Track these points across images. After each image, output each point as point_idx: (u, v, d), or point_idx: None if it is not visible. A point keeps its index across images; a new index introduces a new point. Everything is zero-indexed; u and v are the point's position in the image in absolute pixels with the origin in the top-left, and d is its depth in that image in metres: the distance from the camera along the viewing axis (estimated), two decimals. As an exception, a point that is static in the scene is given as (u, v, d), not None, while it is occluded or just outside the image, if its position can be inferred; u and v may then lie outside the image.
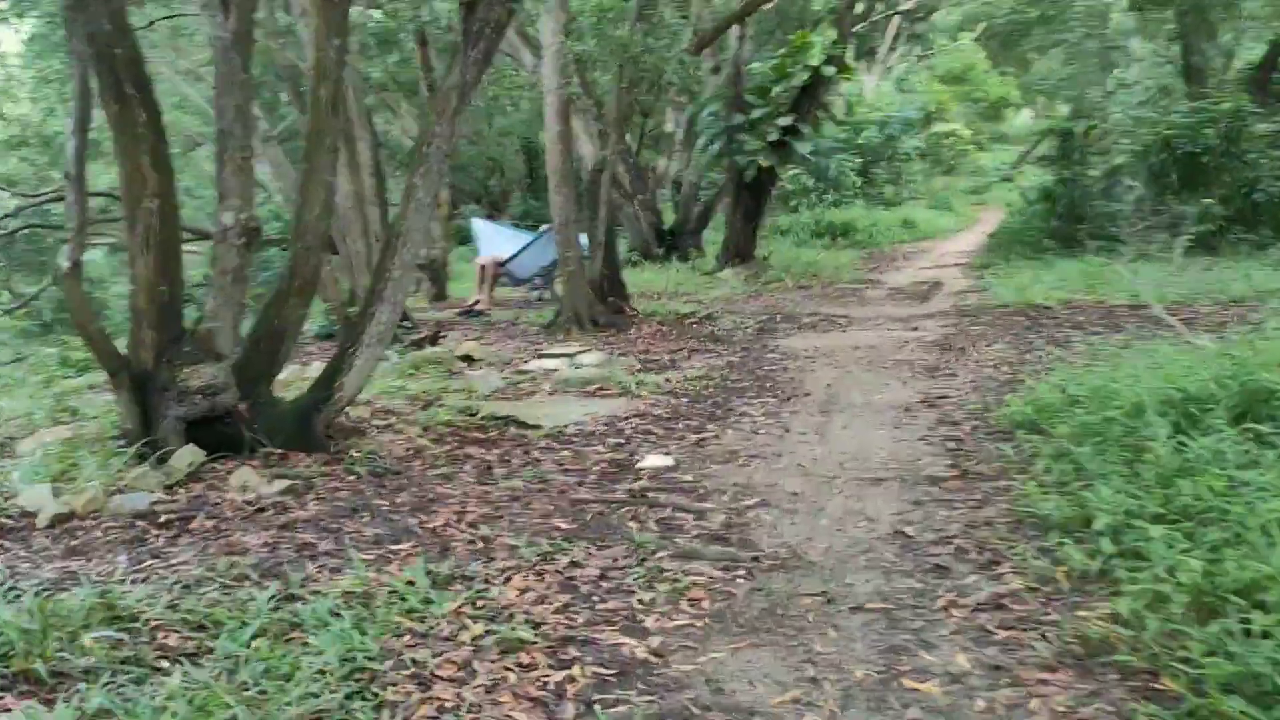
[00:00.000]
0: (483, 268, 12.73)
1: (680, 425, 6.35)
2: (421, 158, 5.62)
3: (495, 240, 13.20)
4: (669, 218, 19.75)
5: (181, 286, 5.84)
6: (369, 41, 14.70)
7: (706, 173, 17.86)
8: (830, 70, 15.13)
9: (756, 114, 15.64)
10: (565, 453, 5.71)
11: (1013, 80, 35.25)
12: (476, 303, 12.77)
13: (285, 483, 5.06)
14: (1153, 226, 14.71)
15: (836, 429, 6.11)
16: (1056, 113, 51.40)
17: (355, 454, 5.57)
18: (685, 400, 7.11)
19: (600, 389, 7.50)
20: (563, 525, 4.38)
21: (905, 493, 4.73)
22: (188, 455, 5.32)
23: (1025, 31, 40.91)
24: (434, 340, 9.57)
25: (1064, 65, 24.86)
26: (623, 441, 5.96)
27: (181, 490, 5.04)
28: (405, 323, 9.57)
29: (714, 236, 19.67)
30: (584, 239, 15.38)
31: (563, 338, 10.50)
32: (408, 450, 5.75)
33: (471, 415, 6.52)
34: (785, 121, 15.38)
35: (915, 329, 10.08)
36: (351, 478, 5.23)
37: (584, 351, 8.86)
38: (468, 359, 8.90)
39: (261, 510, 4.67)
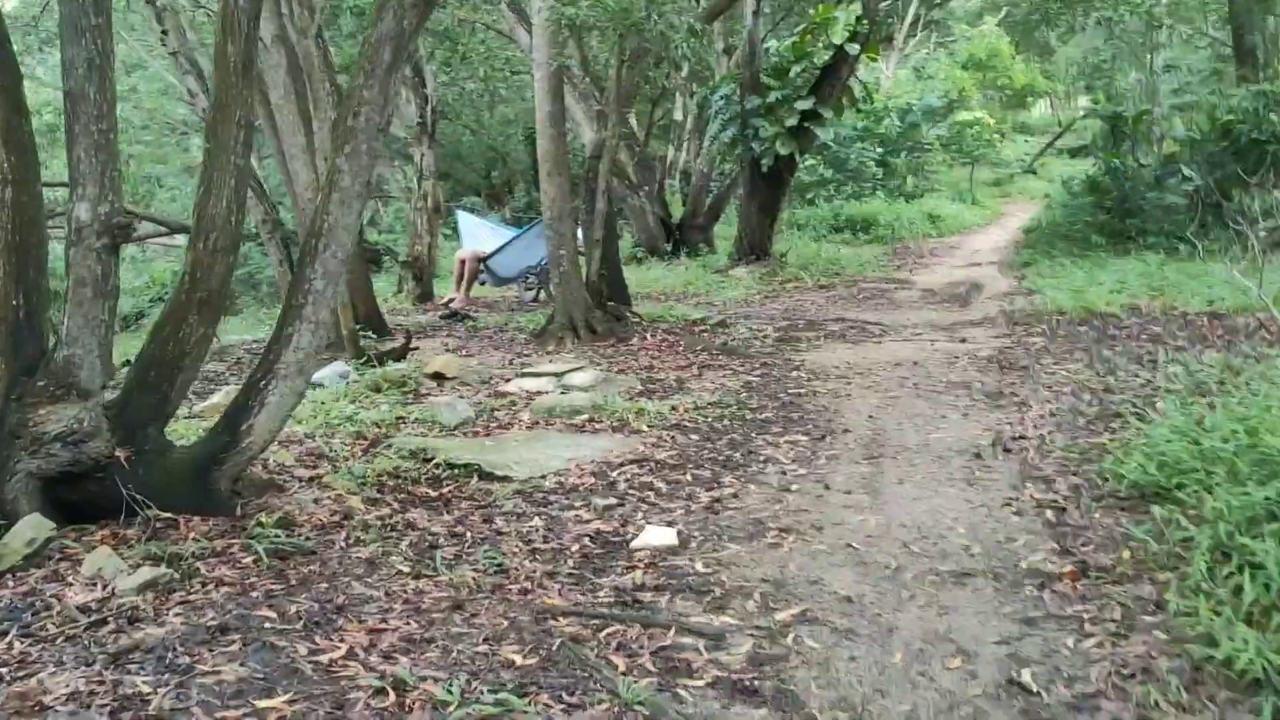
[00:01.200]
0: (461, 262, 11.41)
1: (688, 476, 4.99)
2: (346, 133, 4.26)
3: (478, 235, 11.87)
4: (678, 211, 18.38)
5: (44, 300, 4.50)
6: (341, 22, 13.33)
7: (718, 162, 16.45)
8: (855, 48, 13.73)
9: (773, 97, 14.26)
10: (537, 520, 4.34)
11: (1037, 67, 33.70)
12: (452, 300, 11.44)
13: (153, 571, 3.72)
14: (1214, 220, 13.30)
15: (890, 484, 4.74)
16: (1079, 102, 49.75)
17: (264, 520, 4.23)
18: (695, 438, 5.75)
19: (591, 421, 6.14)
20: (518, 660, 3.02)
21: (1005, 600, 3.36)
22: (28, 530, 3.97)
23: (1046, 18, 39.47)
24: (403, 353, 8.22)
25: (1105, 44, 23.23)
26: (614, 502, 4.60)
27: (10, 581, 3.70)
28: (368, 333, 8.21)
29: (726, 231, 18.29)
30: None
31: (554, 348, 9.16)
32: (333, 515, 4.39)
33: (425, 461, 5.17)
34: (805, 105, 13.99)
35: (963, 340, 8.70)
36: (249, 559, 3.88)
37: (575, 369, 7.50)
38: (439, 377, 7.55)
39: (101, 623, 3.33)
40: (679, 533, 4.10)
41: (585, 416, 6.16)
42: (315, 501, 4.56)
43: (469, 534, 4.19)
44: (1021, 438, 5.38)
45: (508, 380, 7.52)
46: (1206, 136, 13.47)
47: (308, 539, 4.09)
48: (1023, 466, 4.87)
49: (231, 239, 4.61)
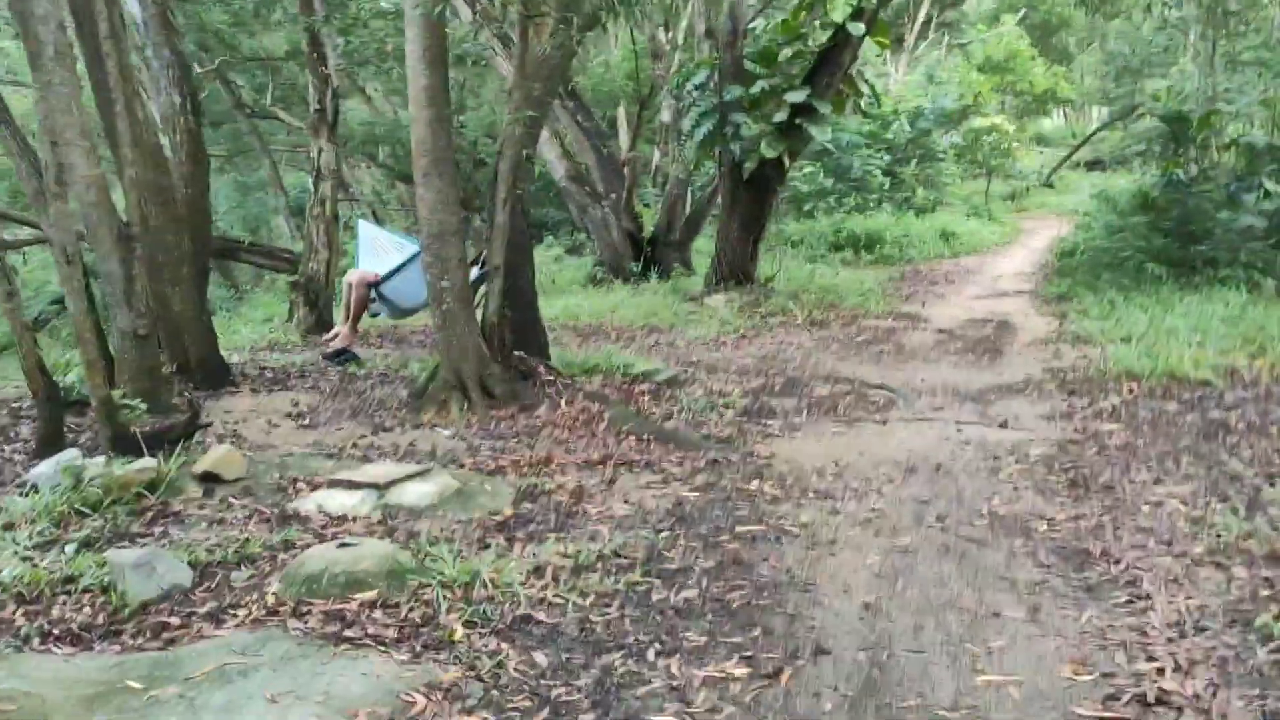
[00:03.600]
0: (349, 286, 8.79)
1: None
2: None
3: (376, 252, 9.28)
4: (656, 223, 15.76)
5: None
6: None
7: (695, 166, 13.86)
8: (859, 29, 11.13)
9: (759, 87, 11.66)
10: None
11: (1060, 72, 31.07)
12: (335, 336, 8.84)
13: None
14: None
15: None
16: (1094, 113, 46.98)
17: None
18: (542, 661, 3.13)
19: (372, 613, 3.48)
20: None
21: None
22: None
23: (1068, 21, 36.84)
24: (186, 432, 5.60)
25: (1154, 31, 20.61)
26: None
27: None
28: (135, 401, 5.57)
29: (708, 247, 15.68)
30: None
31: (433, 417, 6.55)
32: None
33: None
34: (797, 97, 11.39)
35: (1003, 424, 6.06)
36: None
37: (414, 476, 4.87)
38: (211, 479, 4.94)
39: None
40: None
41: (369, 598, 3.52)
42: None
43: None
44: (1156, 672, 2.77)
45: (313, 487, 4.91)
46: (1291, 144, 10.87)
47: None
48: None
49: None
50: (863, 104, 15.42)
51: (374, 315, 9.22)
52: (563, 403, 6.74)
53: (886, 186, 21.08)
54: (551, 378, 7.20)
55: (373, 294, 8.93)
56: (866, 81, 14.52)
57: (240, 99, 15.76)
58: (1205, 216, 10.99)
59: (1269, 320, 8.59)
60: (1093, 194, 15.30)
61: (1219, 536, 3.92)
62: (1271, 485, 4.53)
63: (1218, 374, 6.96)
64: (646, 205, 16.37)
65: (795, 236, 18.20)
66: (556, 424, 6.32)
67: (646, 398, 7.08)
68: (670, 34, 16.38)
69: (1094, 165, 38.68)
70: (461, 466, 5.32)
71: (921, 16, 32.59)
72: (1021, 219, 25.77)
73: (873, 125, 21.93)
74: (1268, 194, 10.31)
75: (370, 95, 18.08)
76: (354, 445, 5.91)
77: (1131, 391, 6.69)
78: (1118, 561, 3.76)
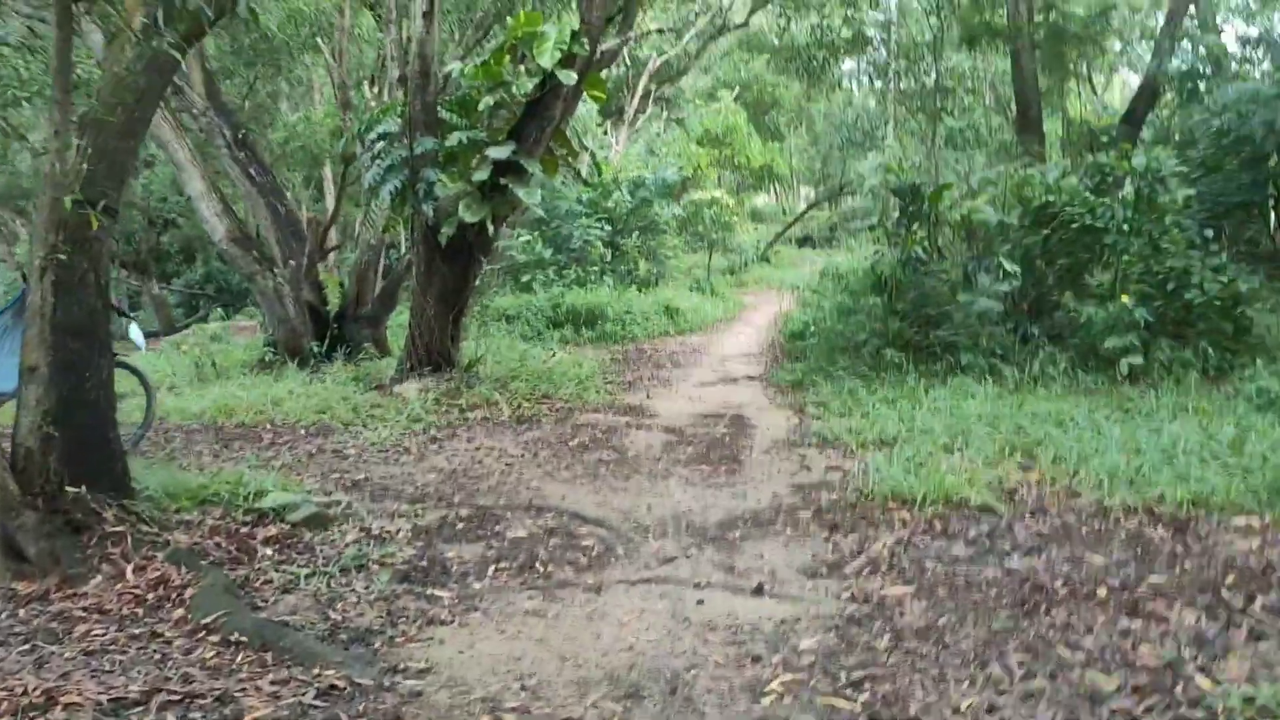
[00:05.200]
0: None
1: None
2: None
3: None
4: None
5: None
6: None
7: (386, 229, 11.85)
8: (570, 77, 9.60)
9: (457, 139, 9.87)
10: None
11: (775, 148, 31.53)
12: None
13: None
14: (1040, 333, 10.05)
15: None
16: (802, 192, 48.99)
17: None
18: None
19: None
20: None
21: None
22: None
23: (778, 101, 37.91)
24: None
25: (859, 113, 20.61)
26: None
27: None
28: None
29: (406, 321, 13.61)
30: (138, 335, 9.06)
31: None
32: None
33: None
34: (500, 153, 9.69)
35: (759, 590, 4.41)
36: None
37: None
38: None
39: None
40: None
41: None
42: None
43: None
44: None
45: None
46: (1024, 224, 10.30)
47: None
48: None
49: None
50: (582, 169, 14.10)
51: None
52: (129, 569, 4.51)
53: (608, 258, 19.87)
54: (122, 528, 4.91)
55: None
56: (585, 146, 13.16)
57: None
58: (942, 298, 10.21)
59: (1023, 418, 7.63)
60: (821, 271, 14.55)
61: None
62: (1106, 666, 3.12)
63: (996, 495, 5.73)
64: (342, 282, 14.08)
65: (511, 310, 16.49)
66: (105, 611, 4.10)
67: (270, 551, 4.96)
68: (375, 84, 14.45)
69: (805, 241, 39.91)
70: None
71: (640, 89, 32.35)
72: (742, 293, 25.40)
73: (593, 194, 20.77)
74: (1006, 274, 9.60)
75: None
76: None
77: (905, 524, 5.30)
78: None
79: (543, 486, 6.48)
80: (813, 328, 12.28)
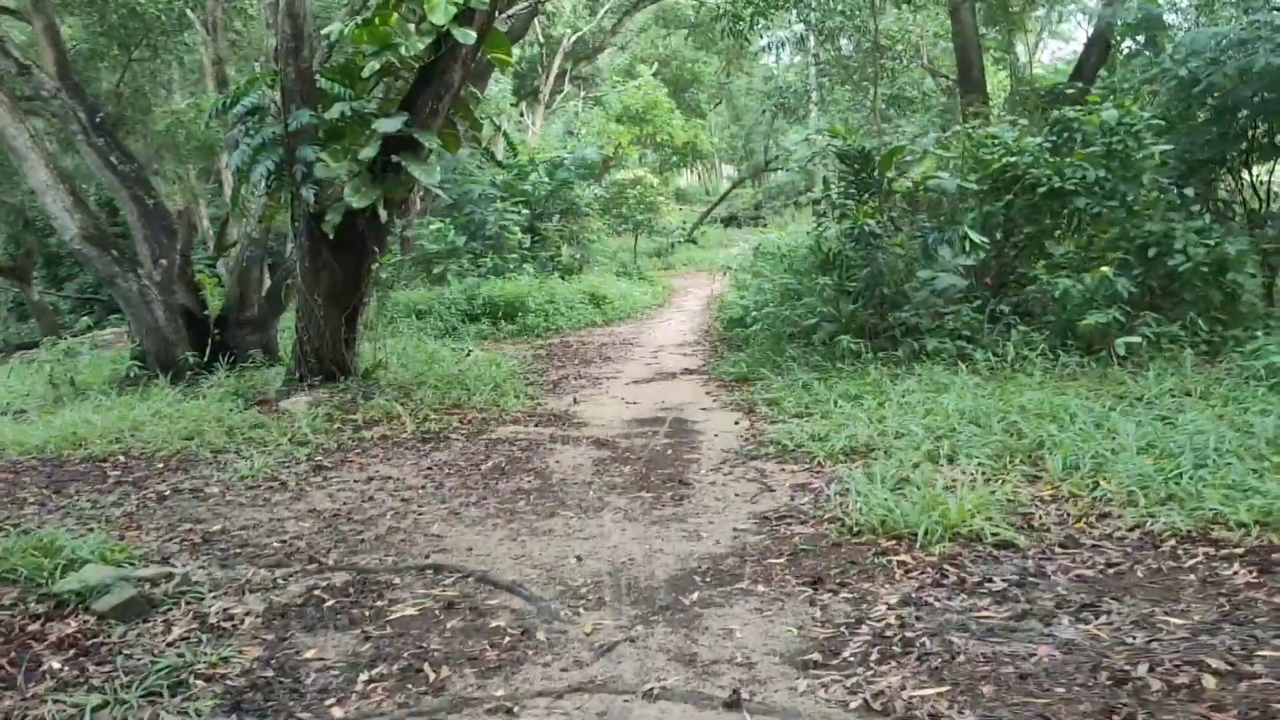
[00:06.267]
0: None
1: None
2: None
3: None
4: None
5: None
6: None
7: (267, 219, 10.37)
8: (468, 36, 8.25)
9: (338, 111, 8.47)
10: None
11: (699, 123, 30.32)
12: None
13: None
14: (1011, 310, 8.99)
15: None
16: (724, 170, 47.79)
17: None
18: None
19: None
20: None
21: None
22: None
23: (698, 78, 36.70)
24: None
25: (782, 87, 19.45)
26: None
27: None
28: None
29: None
30: None
31: None
32: None
33: None
34: (390, 126, 8.32)
35: (733, 702, 3.17)
36: None
37: None
38: None
39: None
40: None
41: None
42: None
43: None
44: None
45: None
46: (986, 188, 9.22)
47: None
48: None
49: None
50: (497, 151, 12.76)
51: None
52: None
53: (527, 244, 18.50)
54: None
55: None
56: (498, 126, 11.79)
57: None
58: (898, 275, 9.09)
59: (1011, 412, 6.51)
60: (755, 249, 13.37)
61: None
62: None
63: (1011, 521, 4.59)
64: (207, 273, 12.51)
65: (422, 305, 15.05)
66: None
67: (58, 663, 3.60)
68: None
69: (730, 221, 38.84)
70: None
71: (555, 68, 30.85)
72: (671, 276, 24.25)
73: (508, 176, 19.36)
74: (972, 245, 8.50)
75: None
76: None
77: (908, 572, 4.12)
78: None
79: (445, 533, 5.17)
80: (753, 313, 11.09)
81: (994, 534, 4.40)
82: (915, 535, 4.45)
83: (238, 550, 5.01)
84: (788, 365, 9.04)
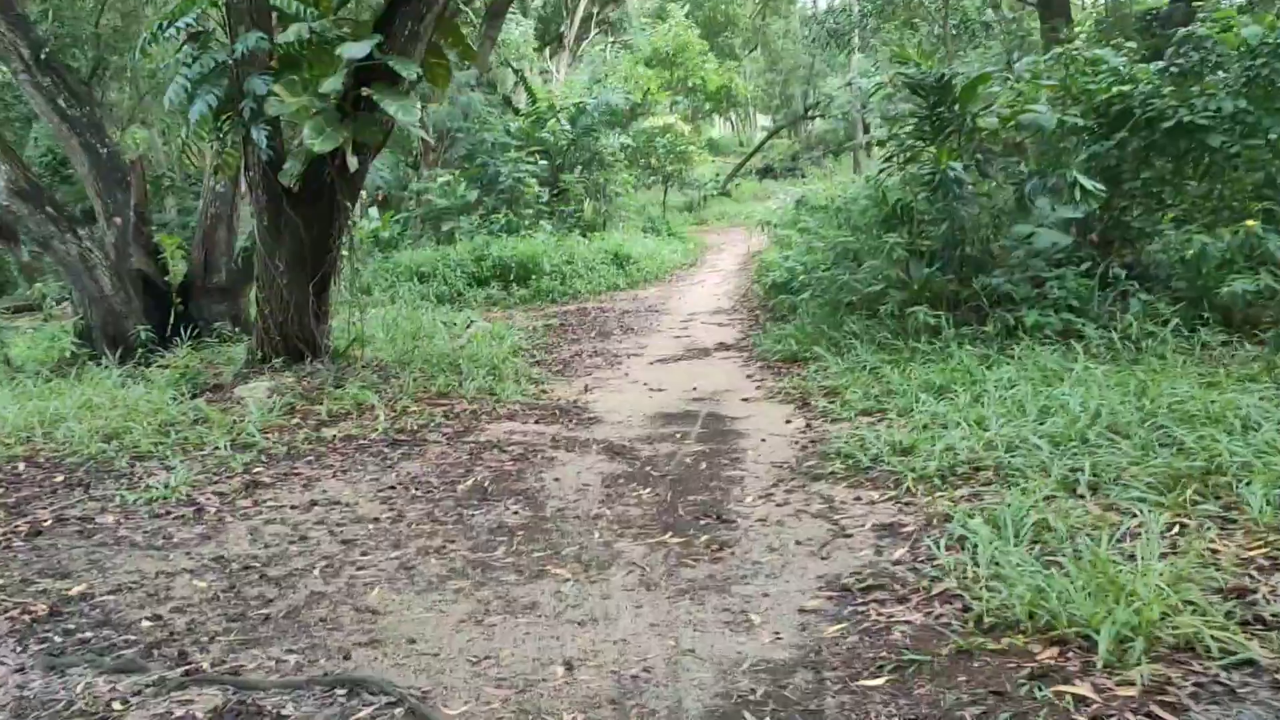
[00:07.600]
0: None
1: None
2: None
3: None
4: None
5: None
6: None
7: (225, 169, 8.81)
8: (453, -64, 6.59)
9: (295, 34, 6.86)
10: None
11: (734, 67, 28.38)
12: None
13: None
14: (1133, 275, 7.27)
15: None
16: (759, 121, 45.40)
17: None
18: None
19: None
20: None
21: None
22: None
23: (733, 20, 34.67)
24: None
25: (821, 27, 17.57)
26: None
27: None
28: None
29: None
30: None
31: None
32: None
33: None
34: (358, 51, 6.69)
35: None
36: None
37: None
38: None
39: None
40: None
41: None
42: None
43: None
44: None
45: None
46: (1093, 125, 7.47)
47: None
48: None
49: None
50: (513, 97, 11.11)
51: None
52: None
53: (544, 199, 16.85)
54: None
55: None
56: (516, 71, 10.13)
57: None
58: (987, 232, 7.39)
59: (1159, 414, 4.85)
60: (797, 201, 11.66)
61: None
62: None
63: (1226, 609, 2.98)
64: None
65: (425, 267, 13.50)
66: None
67: None
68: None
69: (766, 173, 36.89)
70: None
71: (580, 11, 28.98)
72: (703, 233, 22.57)
73: (524, 123, 17.70)
74: (1084, 193, 6.77)
75: None
76: None
77: (1091, 716, 2.52)
78: None
79: (384, 607, 3.63)
80: (802, 277, 9.42)
81: (1216, 640, 2.79)
82: (1090, 639, 2.85)
83: (88, 633, 3.50)
84: (848, 343, 7.41)
